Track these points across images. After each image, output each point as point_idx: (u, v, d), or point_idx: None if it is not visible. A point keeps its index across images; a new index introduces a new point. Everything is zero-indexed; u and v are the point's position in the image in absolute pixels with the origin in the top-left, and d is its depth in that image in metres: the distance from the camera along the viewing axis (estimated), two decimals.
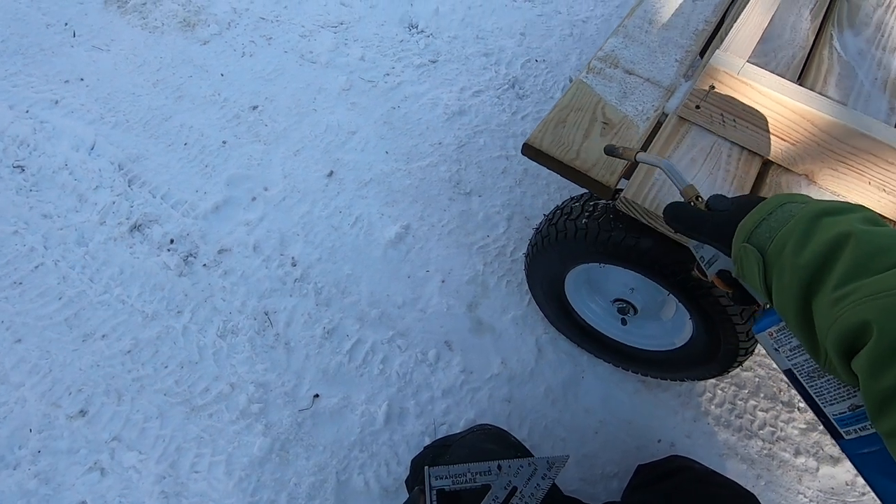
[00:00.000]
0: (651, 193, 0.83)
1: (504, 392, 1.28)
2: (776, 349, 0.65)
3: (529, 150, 0.90)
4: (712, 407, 1.29)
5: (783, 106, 0.82)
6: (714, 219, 0.64)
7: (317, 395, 1.25)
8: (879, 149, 0.78)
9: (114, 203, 1.51)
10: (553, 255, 1.09)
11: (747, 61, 0.86)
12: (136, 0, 2.05)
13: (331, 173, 1.64)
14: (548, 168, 0.90)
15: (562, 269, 1.14)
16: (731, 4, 1.19)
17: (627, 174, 0.88)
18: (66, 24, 1.96)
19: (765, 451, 1.24)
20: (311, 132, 1.73)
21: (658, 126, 0.95)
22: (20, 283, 1.36)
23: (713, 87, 0.86)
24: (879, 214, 0.58)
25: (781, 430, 1.27)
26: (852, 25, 1.14)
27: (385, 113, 1.81)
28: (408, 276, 1.45)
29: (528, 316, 1.39)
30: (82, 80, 1.79)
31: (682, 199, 0.70)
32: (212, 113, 1.74)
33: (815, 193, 0.87)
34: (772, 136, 0.86)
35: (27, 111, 1.68)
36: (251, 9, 2.07)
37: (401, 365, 1.30)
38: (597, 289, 1.21)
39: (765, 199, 0.61)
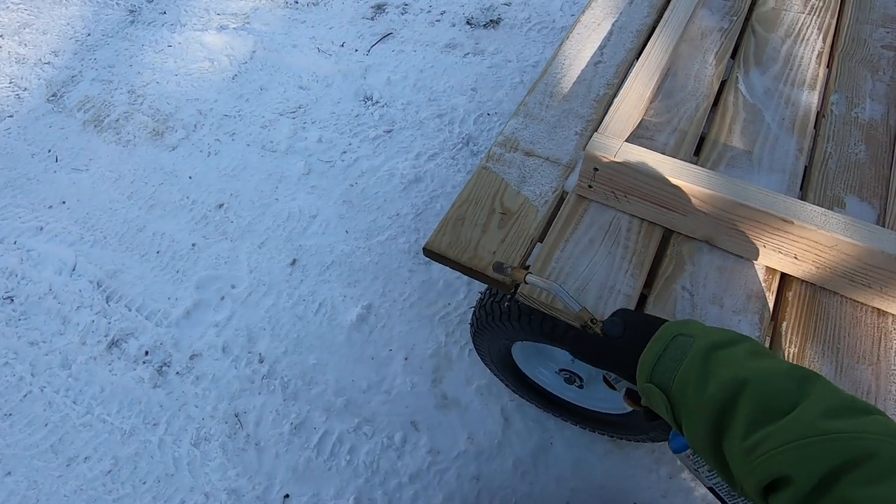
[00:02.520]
0: (546, 291, 0.84)
1: (472, 470, 1.28)
2: (696, 469, 0.65)
3: (430, 254, 0.92)
4: None
5: (664, 183, 0.82)
6: (613, 350, 0.66)
7: (287, 496, 1.27)
8: (762, 216, 0.77)
9: (93, 322, 1.59)
10: (491, 333, 1.10)
11: (628, 140, 0.87)
12: (110, 117, 2.20)
13: (294, 261, 1.69)
14: (452, 268, 0.92)
15: (506, 344, 1.14)
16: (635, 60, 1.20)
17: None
18: (49, 150, 2.12)
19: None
20: (274, 222, 1.80)
21: (560, 204, 0.96)
22: (10, 415, 1.44)
23: (597, 170, 0.87)
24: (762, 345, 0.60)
25: None
26: (759, 63, 1.13)
27: (344, 192, 1.87)
28: (371, 358, 1.47)
29: (492, 385, 1.39)
30: (64, 202, 1.93)
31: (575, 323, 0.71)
32: (181, 217, 1.84)
33: (719, 257, 0.85)
34: (664, 209, 0.86)
35: (15, 242, 1.81)
36: (215, 108, 2.20)
37: (368, 453, 1.31)
38: (546, 356, 1.21)
39: (656, 321, 0.65)
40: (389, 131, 2.06)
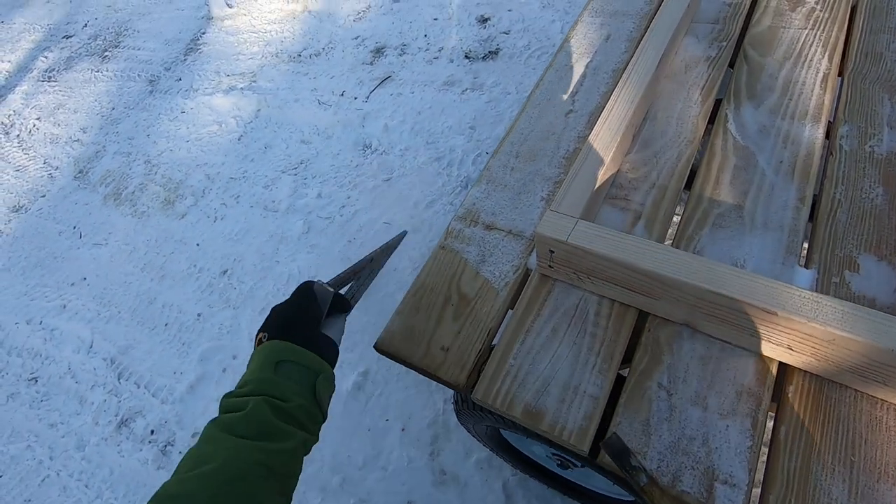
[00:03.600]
0: (503, 389, 0.75)
1: None
2: None
3: (382, 352, 0.85)
4: None
5: (626, 267, 0.71)
6: None
7: None
8: (741, 306, 0.65)
9: (105, 401, 1.64)
10: (474, 418, 1.02)
11: (599, 207, 0.77)
12: (128, 190, 2.30)
13: None
14: (405, 367, 0.85)
15: (492, 427, 1.05)
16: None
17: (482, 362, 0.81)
18: (74, 227, 2.24)
19: None
20: (275, 286, 1.80)
21: (524, 285, 0.87)
22: (29, 501, 1.49)
23: (553, 251, 0.78)
24: None
25: None
26: (753, 95, 1.00)
27: (342, 249, 1.84)
28: (368, 430, 1.41)
29: (492, 458, 1.29)
30: (85, 279, 2.02)
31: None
32: (189, 287, 1.87)
33: (702, 345, 0.74)
34: (634, 292, 0.75)
35: (41, 322, 1.91)
36: (222, 171, 2.25)
37: None
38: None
39: None
40: (388, 179, 2.02)
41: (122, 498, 1.44)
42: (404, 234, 0.91)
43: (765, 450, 0.66)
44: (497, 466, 1.28)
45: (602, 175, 0.84)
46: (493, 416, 0.88)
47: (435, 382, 1.43)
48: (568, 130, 1.04)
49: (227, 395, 0.58)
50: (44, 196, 2.42)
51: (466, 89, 2.26)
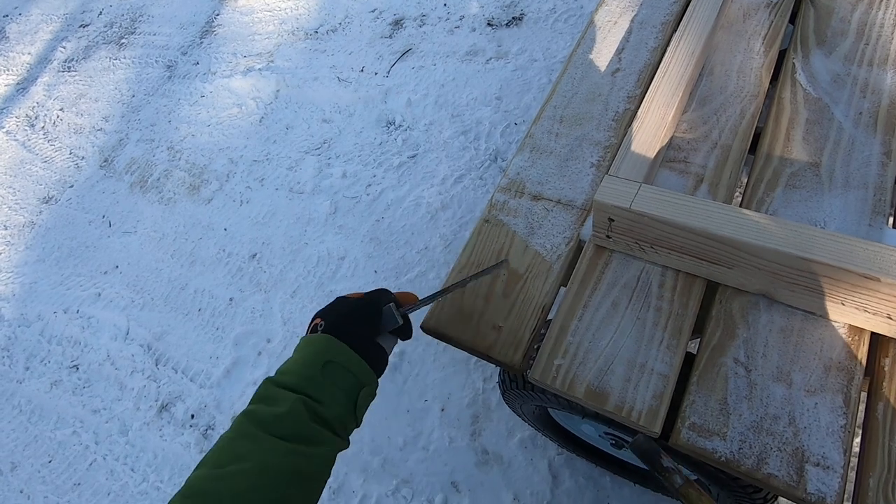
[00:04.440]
0: (562, 369, 0.70)
1: None
2: None
3: (429, 332, 0.81)
4: None
5: (696, 234, 0.65)
6: None
7: None
8: (835, 272, 0.58)
9: (145, 387, 1.65)
10: (522, 398, 0.98)
11: (658, 169, 0.71)
12: (153, 177, 2.30)
13: None
14: (454, 346, 0.81)
15: (541, 407, 1.01)
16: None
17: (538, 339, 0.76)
18: (103, 216, 2.24)
19: None
20: (305, 268, 1.77)
21: (577, 258, 0.81)
22: (79, 484, 1.53)
23: (612, 220, 0.72)
24: None
25: None
26: (823, 42, 0.91)
27: (370, 228, 1.80)
28: (407, 411, 1.39)
29: (536, 436, 1.26)
30: (117, 267, 2.03)
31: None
32: (219, 272, 1.86)
33: (782, 316, 0.67)
34: (703, 261, 0.69)
35: (77, 311, 1.93)
36: (245, 155, 2.22)
37: None
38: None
39: None
40: (413, 156, 1.97)
41: (168, 481, 1.46)
42: (504, 262, 0.76)
43: (859, 431, 0.60)
44: (541, 446, 1.25)
45: (660, 138, 0.77)
46: (546, 395, 0.84)
47: (473, 360, 1.40)
48: (616, 91, 0.96)
49: (269, 380, 0.56)
50: (72, 186, 2.43)
51: (490, 58, 2.17)
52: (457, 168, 1.87)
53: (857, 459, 0.59)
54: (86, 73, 3.03)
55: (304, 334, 0.63)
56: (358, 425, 0.59)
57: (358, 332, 0.60)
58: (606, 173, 0.73)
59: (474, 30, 2.31)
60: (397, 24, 2.49)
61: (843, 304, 0.62)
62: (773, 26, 0.95)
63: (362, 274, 1.70)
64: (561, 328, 0.73)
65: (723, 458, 0.61)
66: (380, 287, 0.66)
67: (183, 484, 0.49)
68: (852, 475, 0.58)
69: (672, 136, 0.88)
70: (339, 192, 1.94)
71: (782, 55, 0.93)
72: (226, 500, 0.46)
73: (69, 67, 3.09)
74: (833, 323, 0.65)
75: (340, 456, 1.33)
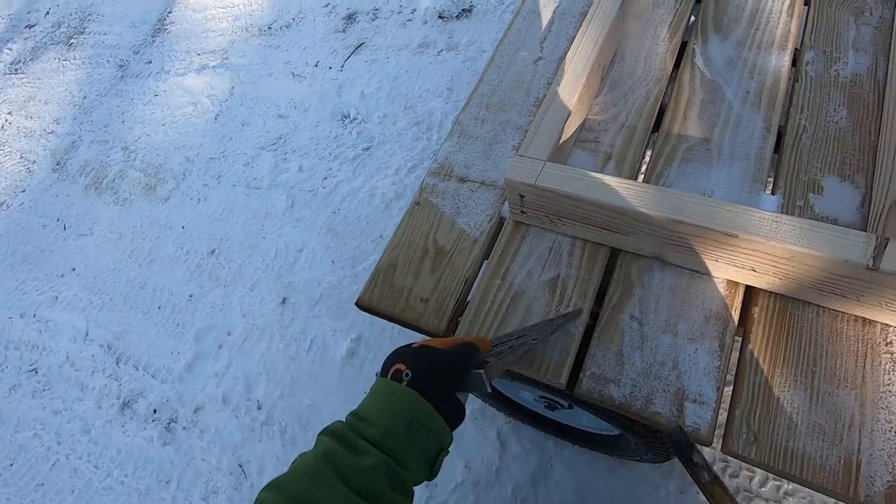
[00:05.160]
0: (481, 333, 0.77)
1: (470, 501, 1.23)
2: None
3: (363, 308, 0.87)
4: None
5: (593, 205, 0.72)
6: None
7: None
8: (704, 232, 0.66)
9: (106, 385, 1.66)
10: None
11: (549, 160, 0.78)
12: (108, 178, 2.28)
13: (284, 300, 1.69)
14: (387, 321, 0.87)
15: None
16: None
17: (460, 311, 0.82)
18: (57, 219, 2.22)
19: None
20: (263, 262, 1.81)
21: (499, 233, 0.88)
22: (42, 485, 1.54)
23: (523, 196, 0.79)
24: None
25: (788, 484, 1.10)
26: (720, 28, 0.99)
27: (327, 220, 1.84)
28: (364, 392, 1.44)
29: (485, 408, 1.33)
30: (74, 269, 2.02)
31: None
32: (178, 269, 1.88)
33: (672, 275, 0.75)
34: (604, 230, 0.77)
35: (34, 315, 1.92)
36: (201, 153, 2.22)
37: None
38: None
39: None
40: (368, 148, 2.01)
41: (132, 475, 1.48)
42: (579, 312, 0.74)
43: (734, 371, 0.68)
44: (490, 416, 1.32)
45: (570, 118, 0.84)
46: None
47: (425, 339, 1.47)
48: (537, 78, 1.03)
49: (351, 426, 0.55)
50: (24, 191, 2.40)
51: (442, 50, 2.22)
52: (410, 158, 1.92)
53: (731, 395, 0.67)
54: (34, 75, 2.96)
55: (379, 373, 0.61)
56: (430, 480, 0.58)
57: (444, 391, 0.57)
58: (515, 153, 0.80)
59: (426, 22, 2.35)
60: (350, 18, 2.51)
61: (717, 261, 0.70)
62: (678, 14, 1.03)
63: (320, 265, 1.74)
64: (481, 297, 0.80)
65: (617, 402, 0.68)
66: (466, 341, 0.62)
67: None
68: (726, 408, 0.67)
69: (585, 119, 0.95)
70: (296, 186, 1.97)
71: (687, 40, 1.01)
72: None
73: (16, 70, 3.01)
74: (714, 279, 0.74)
75: (301, 437, 1.37)
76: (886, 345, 0.64)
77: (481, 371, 0.59)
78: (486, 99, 1.03)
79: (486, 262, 0.86)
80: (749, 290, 0.72)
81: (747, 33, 0.97)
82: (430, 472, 0.56)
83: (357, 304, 0.87)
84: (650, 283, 0.76)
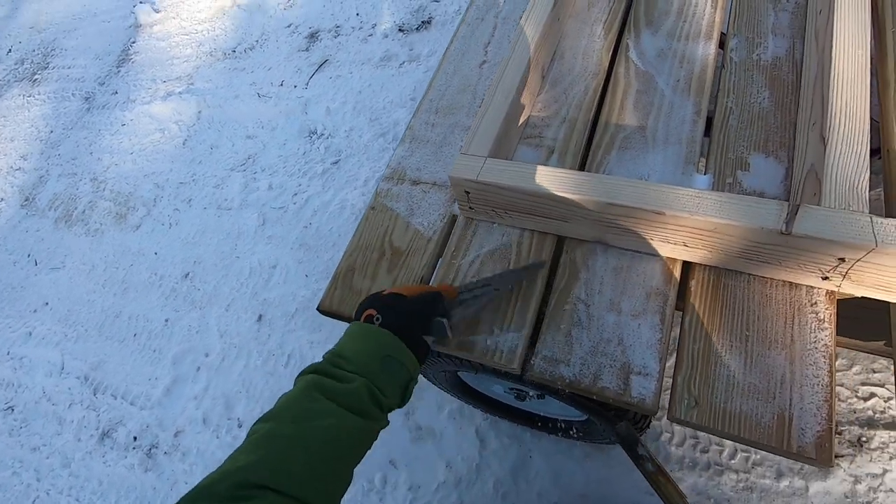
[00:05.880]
0: None
1: (454, 500, 1.24)
2: None
3: (324, 313, 0.89)
4: (672, 448, 1.18)
5: (532, 195, 0.76)
6: None
7: None
8: (635, 212, 0.70)
9: (84, 417, 1.65)
10: (430, 365, 1.06)
11: (518, 143, 0.81)
12: (77, 210, 2.27)
13: (260, 317, 1.70)
14: (347, 322, 0.89)
15: (450, 373, 1.11)
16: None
17: None
18: (28, 255, 2.20)
19: (741, 484, 1.11)
20: (237, 281, 1.81)
21: (451, 231, 0.91)
22: None
23: (468, 192, 0.82)
24: None
25: (756, 453, 1.13)
26: (650, 22, 1.05)
27: (299, 235, 1.86)
28: None
29: (463, 407, 1.35)
30: (47, 304, 2.00)
31: None
32: (152, 295, 1.88)
33: (614, 257, 0.79)
34: (546, 218, 0.80)
35: (8, 352, 1.89)
36: (170, 178, 2.23)
37: (350, 501, 1.30)
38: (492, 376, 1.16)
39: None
40: (336, 162, 2.04)
41: None
42: (542, 263, 0.79)
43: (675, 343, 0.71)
44: (468, 415, 1.34)
45: (512, 116, 0.88)
46: (440, 358, 0.93)
47: None
48: (483, 81, 1.07)
49: (331, 362, 0.61)
50: None
51: (403, 62, 2.26)
52: (377, 169, 1.95)
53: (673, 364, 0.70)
54: None
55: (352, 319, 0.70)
56: (401, 407, 0.67)
57: (413, 328, 0.67)
58: (459, 151, 0.83)
59: (387, 36, 2.40)
60: (313, 36, 2.55)
61: (653, 240, 0.74)
62: (612, 12, 1.08)
63: (294, 279, 1.75)
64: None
65: (567, 381, 0.71)
66: (431, 290, 0.71)
67: (246, 437, 0.54)
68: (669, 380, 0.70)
69: (529, 116, 0.99)
70: (267, 204, 1.99)
71: (621, 36, 1.06)
72: (313, 445, 0.52)
73: None
74: (653, 257, 0.77)
75: None
76: (811, 305, 0.68)
77: (443, 320, 0.68)
78: (434, 104, 1.07)
79: (440, 258, 0.88)
80: (686, 265, 0.76)
81: (676, 25, 1.02)
82: (403, 399, 0.65)
83: (319, 310, 0.89)
84: (594, 265, 0.79)
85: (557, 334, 0.75)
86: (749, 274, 0.72)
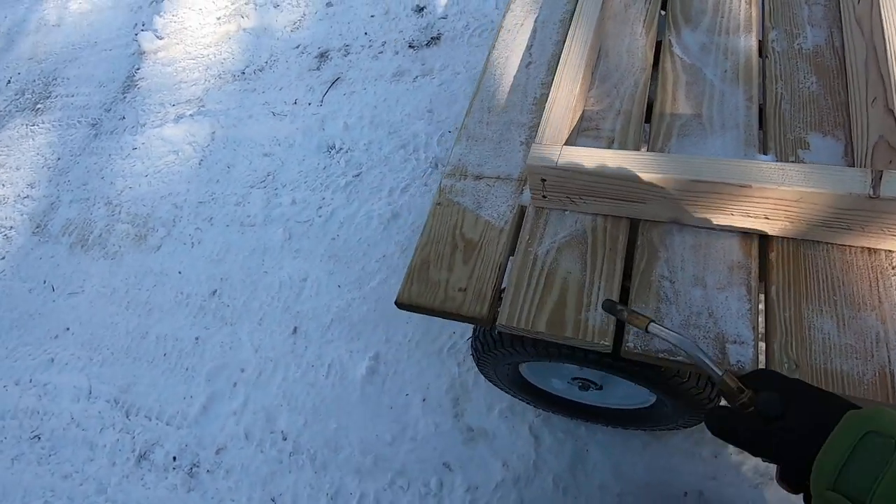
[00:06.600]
0: (524, 311, 0.81)
1: (514, 498, 1.24)
2: None
3: (402, 306, 0.90)
4: None
5: (613, 178, 0.79)
6: (773, 439, 0.53)
7: None
8: (720, 187, 0.73)
9: (118, 441, 1.61)
10: (494, 359, 1.07)
11: (578, 136, 0.84)
12: (94, 234, 2.25)
13: (295, 330, 1.69)
14: (427, 315, 0.90)
15: (512, 367, 1.11)
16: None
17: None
18: (44, 281, 2.16)
19: None
20: (268, 295, 1.80)
21: (522, 221, 0.93)
22: None
23: (544, 180, 0.85)
24: None
25: None
26: (689, 20, 1.10)
27: (327, 247, 1.87)
28: (390, 408, 1.45)
29: (514, 405, 1.35)
30: (68, 329, 1.96)
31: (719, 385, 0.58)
32: (179, 315, 1.85)
33: (691, 236, 0.82)
34: (623, 202, 0.83)
35: (30, 380, 1.84)
36: (188, 198, 2.22)
37: None
38: (554, 369, 1.17)
39: (825, 399, 0.53)
40: (358, 175, 2.06)
41: None
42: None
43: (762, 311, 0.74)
44: (519, 413, 1.34)
45: (573, 108, 0.91)
46: (515, 347, 0.94)
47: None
48: (531, 80, 1.11)
49: None
50: (3, 258, 2.33)
51: (417, 76, 2.31)
52: (401, 179, 1.98)
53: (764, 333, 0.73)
54: (2, 144, 2.92)
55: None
56: None
57: None
58: (534, 142, 0.86)
59: (397, 53, 2.46)
60: (323, 56, 2.60)
61: (733, 215, 0.77)
62: (649, 12, 1.14)
63: (326, 290, 1.75)
64: (517, 280, 0.84)
65: (662, 355, 0.73)
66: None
67: None
68: (762, 346, 0.72)
69: (584, 110, 1.03)
70: (291, 219, 1.99)
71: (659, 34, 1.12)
72: None
73: None
74: (729, 233, 0.80)
75: (332, 461, 1.36)
76: (893, 268, 0.72)
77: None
78: (485, 104, 1.10)
79: (515, 247, 0.90)
80: (762, 239, 0.79)
81: (714, 21, 1.08)
82: None
83: (397, 303, 0.90)
84: (672, 245, 0.82)
85: (646, 311, 0.77)
86: (827, 243, 0.76)
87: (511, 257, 0.89)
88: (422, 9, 2.59)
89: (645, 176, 0.75)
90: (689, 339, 0.61)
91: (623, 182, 0.78)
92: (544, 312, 0.80)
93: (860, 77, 0.86)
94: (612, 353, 0.76)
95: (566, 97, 0.90)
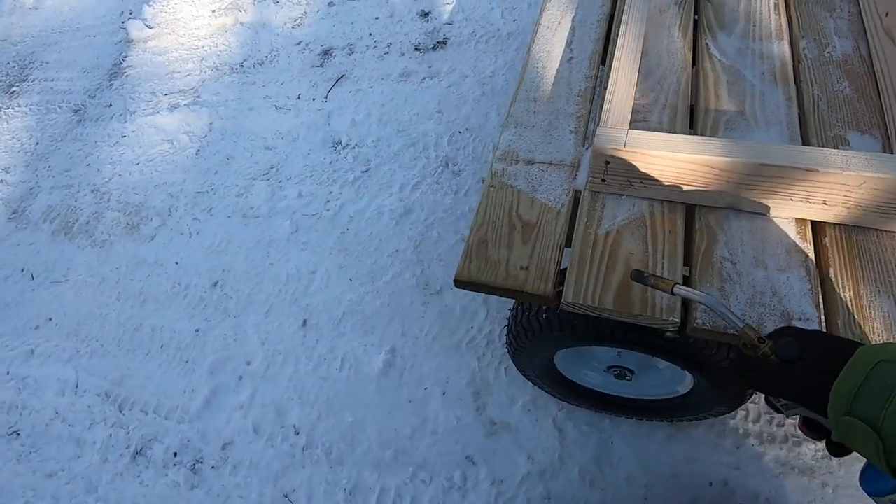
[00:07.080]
0: (590, 289, 0.82)
1: (540, 491, 1.23)
2: None
3: (461, 284, 0.89)
4: (750, 425, 1.23)
5: (678, 161, 0.81)
6: (793, 379, 0.57)
7: None
8: (787, 171, 0.76)
9: (110, 436, 1.50)
10: (532, 347, 1.07)
11: (629, 127, 0.87)
12: (79, 221, 2.13)
13: (304, 322, 1.64)
14: (485, 293, 0.90)
15: (548, 356, 1.11)
16: (605, 49, 1.21)
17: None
18: (21, 269, 2.03)
19: (821, 453, 1.17)
20: (275, 287, 1.75)
21: (577, 205, 0.94)
22: None
23: (608, 163, 0.86)
24: None
25: None
26: (723, 26, 1.16)
27: (337, 241, 1.83)
28: (409, 401, 1.42)
29: (537, 398, 1.35)
30: (51, 319, 1.84)
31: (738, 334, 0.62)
32: (177, 306, 1.77)
33: (747, 221, 0.85)
34: (683, 186, 0.85)
35: (7, 373, 1.71)
36: (185, 188, 2.14)
37: (431, 501, 1.25)
38: (588, 359, 1.18)
39: (838, 342, 0.58)
40: (367, 170, 2.04)
41: None
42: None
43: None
44: (543, 406, 1.34)
45: (630, 96, 0.94)
46: (563, 330, 0.95)
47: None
48: (574, 73, 1.14)
49: None
50: None
51: (424, 78, 2.33)
52: (412, 176, 1.97)
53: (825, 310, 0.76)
54: None
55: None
56: None
57: None
58: (597, 126, 0.88)
59: (403, 54, 2.47)
60: (326, 53, 2.58)
61: (791, 200, 0.81)
62: (684, 17, 1.20)
63: (337, 284, 1.71)
64: (580, 259, 0.85)
65: (731, 332, 0.75)
66: None
67: None
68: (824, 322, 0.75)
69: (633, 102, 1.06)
70: (298, 212, 1.95)
71: (695, 37, 1.17)
72: None
73: None
74: (783, 220, 0.84)
75: (348, 455, 1.32)
76: None
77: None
78: (531, 94, 1.12)
79: (573, 229, 0.91)
80: (815, 225, 0.83)
81: (747, 28, 1.14)
82: None
83: (455, 281, 0.89)
84: (730, 229, 0.85)
85: (710, 290, 0.79)
86: (878, 230, 0.80)
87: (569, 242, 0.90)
88: (427, 14, 2.62)
89: (716, 159, 0.78)
90: (713, 297, 0.66)
91: (693, 166, 0.81)
92: (610, 290, 0.81)
93: (893, 81, 0.93)
94: (679, 329, 0.77)
95: (626, 84, 0.93)
